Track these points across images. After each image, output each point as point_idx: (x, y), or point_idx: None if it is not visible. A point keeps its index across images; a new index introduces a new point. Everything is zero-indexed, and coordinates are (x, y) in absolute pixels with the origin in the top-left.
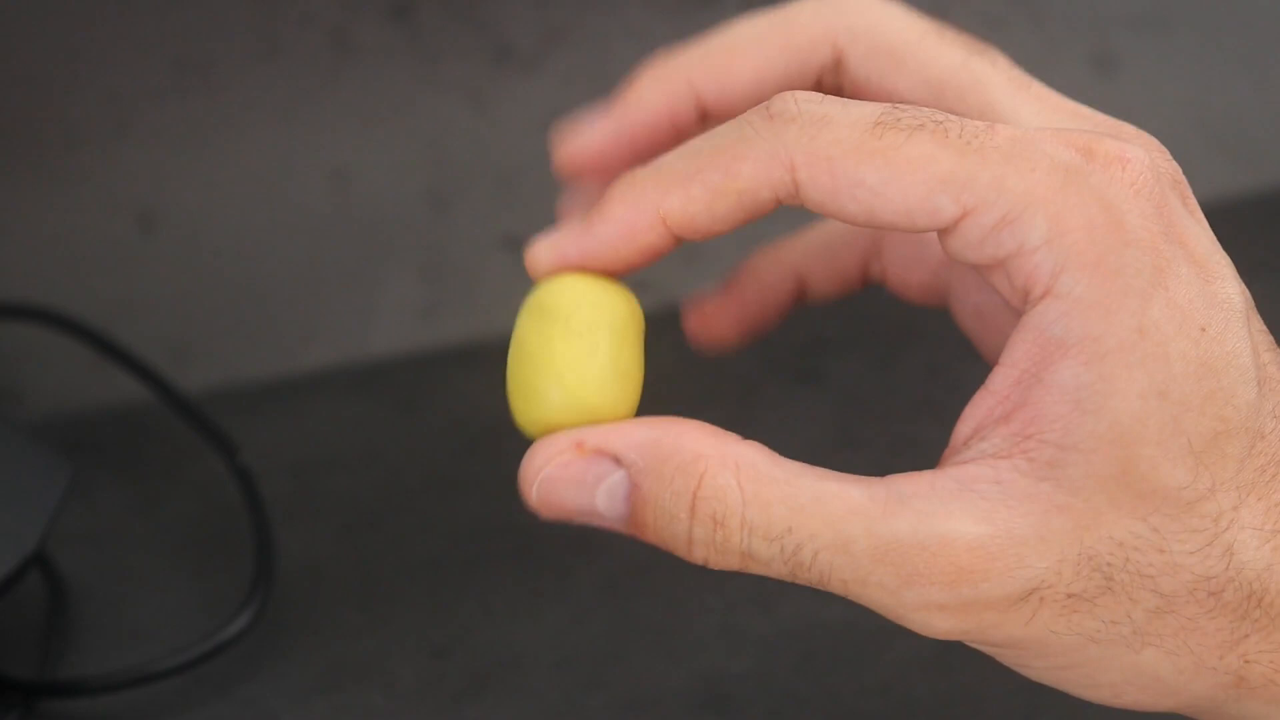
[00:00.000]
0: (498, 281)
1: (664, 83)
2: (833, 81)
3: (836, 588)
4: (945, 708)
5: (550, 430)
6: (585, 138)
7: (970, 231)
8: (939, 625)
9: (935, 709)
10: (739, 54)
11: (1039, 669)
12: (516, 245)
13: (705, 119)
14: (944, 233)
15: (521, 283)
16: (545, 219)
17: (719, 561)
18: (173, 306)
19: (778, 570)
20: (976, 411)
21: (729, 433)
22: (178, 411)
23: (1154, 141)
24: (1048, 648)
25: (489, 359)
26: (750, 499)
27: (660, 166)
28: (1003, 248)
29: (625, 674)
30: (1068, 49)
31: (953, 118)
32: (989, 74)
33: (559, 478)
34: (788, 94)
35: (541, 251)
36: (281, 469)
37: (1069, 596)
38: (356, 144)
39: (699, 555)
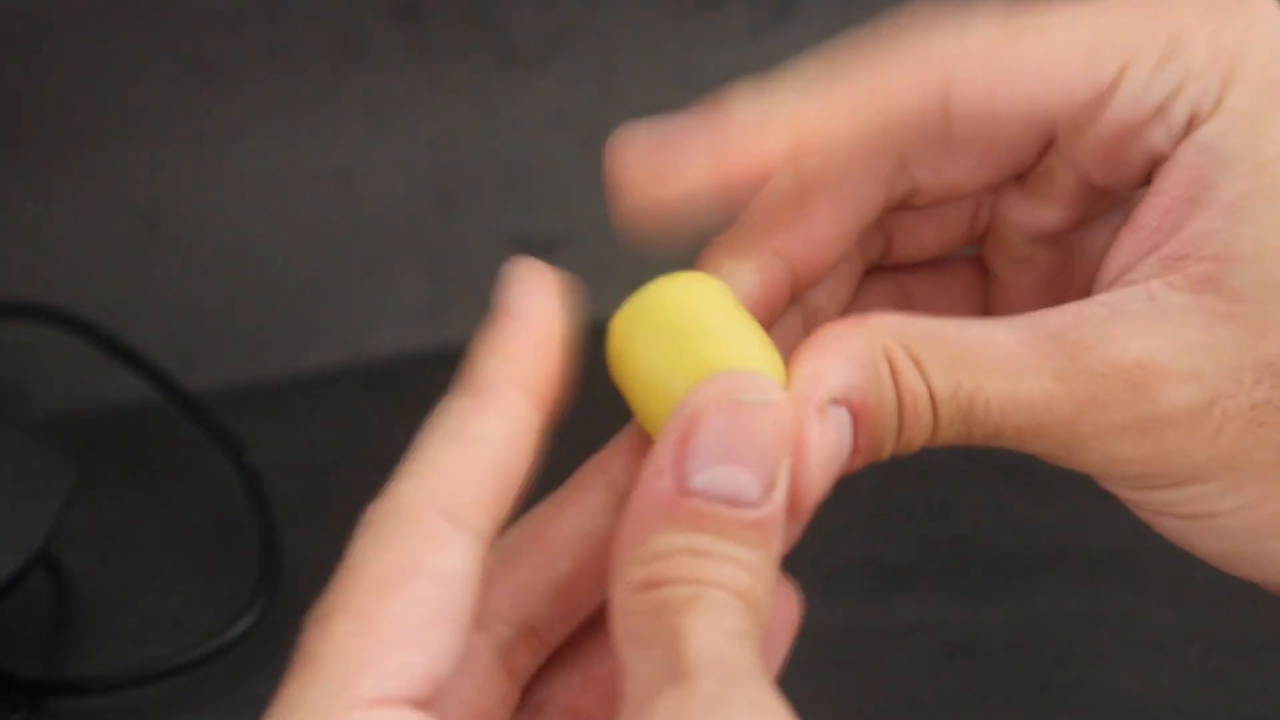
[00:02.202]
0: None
1: (768, 132)
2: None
3: (1011, 437)
4: (950, 710)
5: None
6: (666, 156)
7: (1133, 82)
8: (1122, 451)
9: (940, 711)
10: (841, 121)
11: (1234, 522)
12: (523, 245)
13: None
14: (1104, 95)
15: None
16: (550, 219)
17: (915, 443)
18: (179, 306)
19: (956, 429)
20: (1122, 248)
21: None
22: (184, 411)
23: None
24: (1239, 475)
25: None
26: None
27: (795, 72)
28: (1166, 85)
29: None
30: None
31: None
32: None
33: (821, 450)
34: (910, 19)
35: (635, 157)
36: (288, 468)
37: (1253, 407)
38: (362, 144)
39: (904, 441)
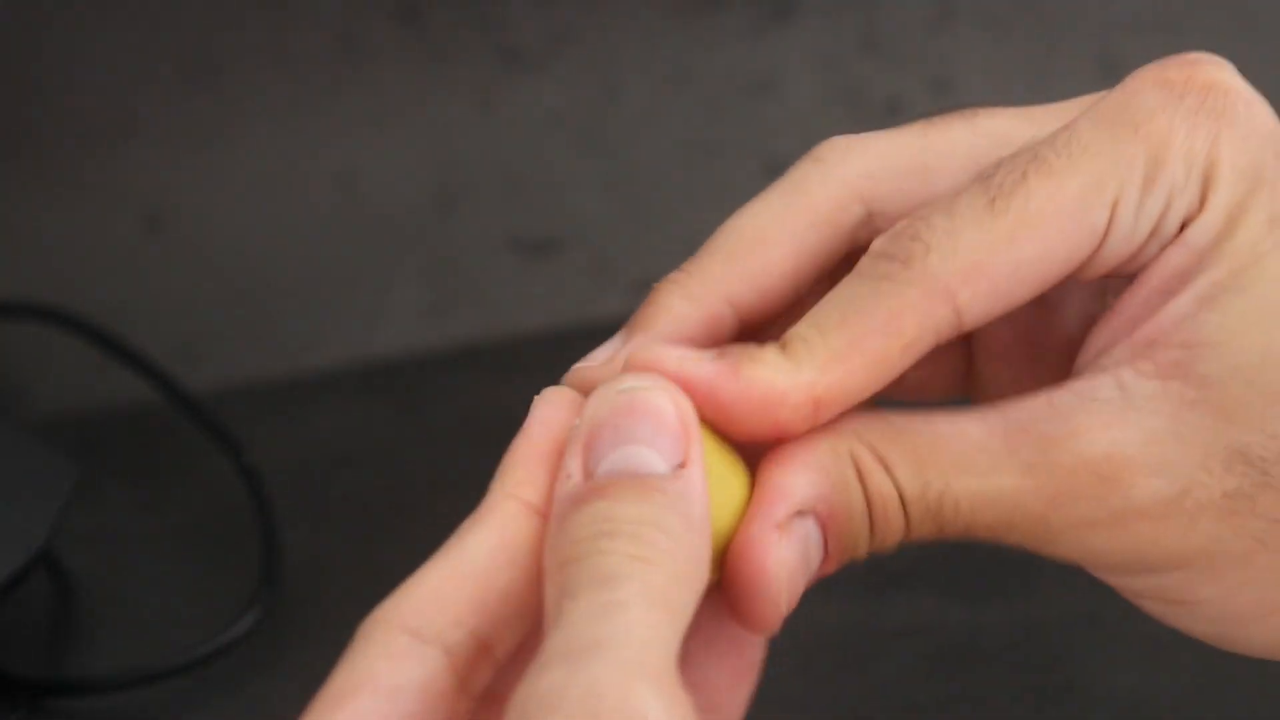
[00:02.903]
0: (504, 282)
1: (695, 302)
2: (867, 234)
3: (983, 532)
4: (949, 711)
5: None
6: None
7: (1124, 221)
8: (1095, 544)
9: (938, 712)
10: (767, 250)
11: (1214, 608)
12: (523, 246)
13: (742, 326)
14: (1100, 242)
15: (526, 284)
16: (551, 219)
17: (888, 544)
18: (180, 306)
19: (927, 528)
20: (1099, 335)
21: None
22: (184, 411)
23: (1205, 54)
24: (1216, 564)
25: (495, 359)
26: (890, 466)
27: (804, 341)
28: (1154, 210)
29: None
30: (1073, 52)
31: (1038, 144)
32: (1003, 120)
33: (784, 566)
34: (897, 232)
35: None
36: (288, 469)
37: (1225, 496)
38: (364, 145)
39: (880, 536)
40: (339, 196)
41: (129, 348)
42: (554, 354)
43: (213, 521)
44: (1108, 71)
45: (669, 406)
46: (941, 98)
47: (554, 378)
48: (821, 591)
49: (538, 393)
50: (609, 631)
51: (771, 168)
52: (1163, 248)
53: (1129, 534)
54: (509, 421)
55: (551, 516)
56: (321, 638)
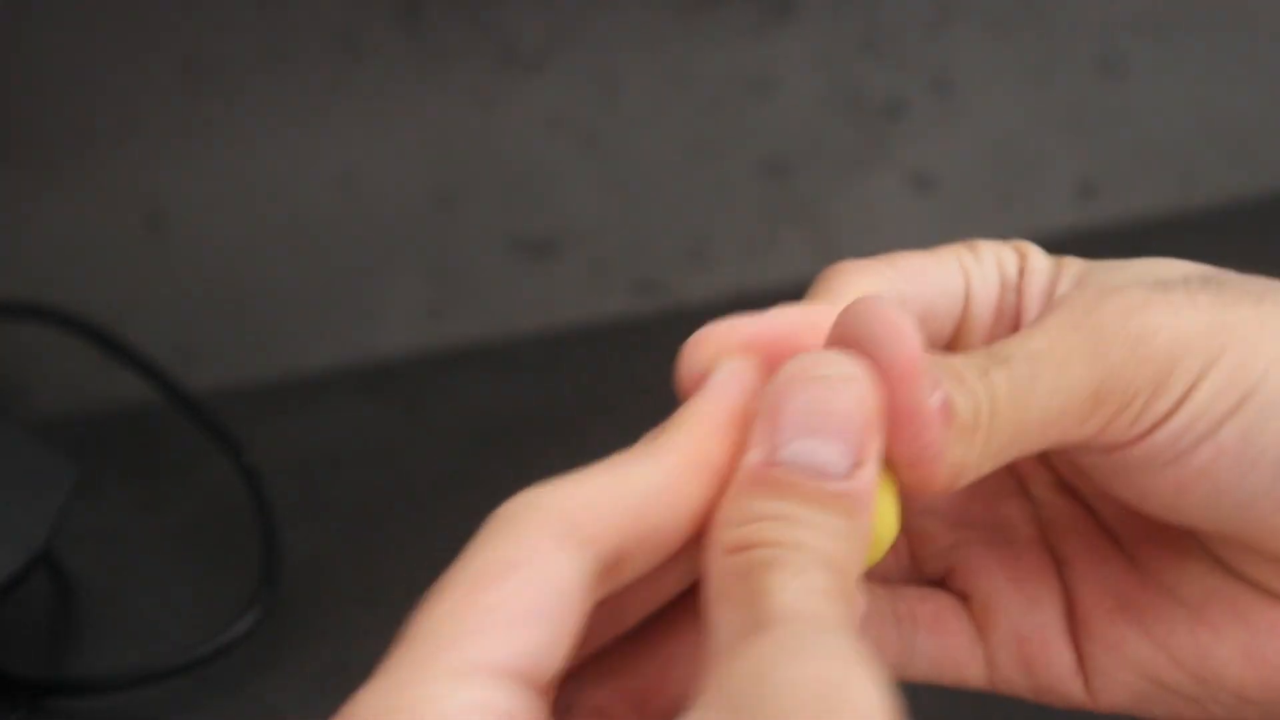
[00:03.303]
0: (504, 282)
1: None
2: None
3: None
4: (949, 711)
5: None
6: (729, 330)
7: (975, 272)
8: (1135, 325)
9: (939, 713)
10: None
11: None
12: (523, 246)
13: None
14: (969, 285)
15: (526, 284)
16: (551, 219)
17: (969, 399)
18: (179, 306)
19: (1006, 383)
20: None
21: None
22: (184, 411)
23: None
24: (1232, 325)
25: (495, 359)
26: None
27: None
28: (990, 261)
29: None
30: (1074, 53)
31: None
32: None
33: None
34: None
35: (707, 337)
36: (288, 469)
37: (1203, 287)
38: (364, 145)
39: (963, 402)
40: (339, 196)
41: (129, 348)
42: (554, 354)
43: (213, 521)
44: (1108, 72)
45: (855, 405)
46: (941, 98)
47: (554, 378)
48: None
49: (537, 393)
50: (814, 610)
51: (772, 168)
52: (1017, 289)
53: (1152, 316)
54: (509, 421)
55: (733, 483)
56: (321, 638)
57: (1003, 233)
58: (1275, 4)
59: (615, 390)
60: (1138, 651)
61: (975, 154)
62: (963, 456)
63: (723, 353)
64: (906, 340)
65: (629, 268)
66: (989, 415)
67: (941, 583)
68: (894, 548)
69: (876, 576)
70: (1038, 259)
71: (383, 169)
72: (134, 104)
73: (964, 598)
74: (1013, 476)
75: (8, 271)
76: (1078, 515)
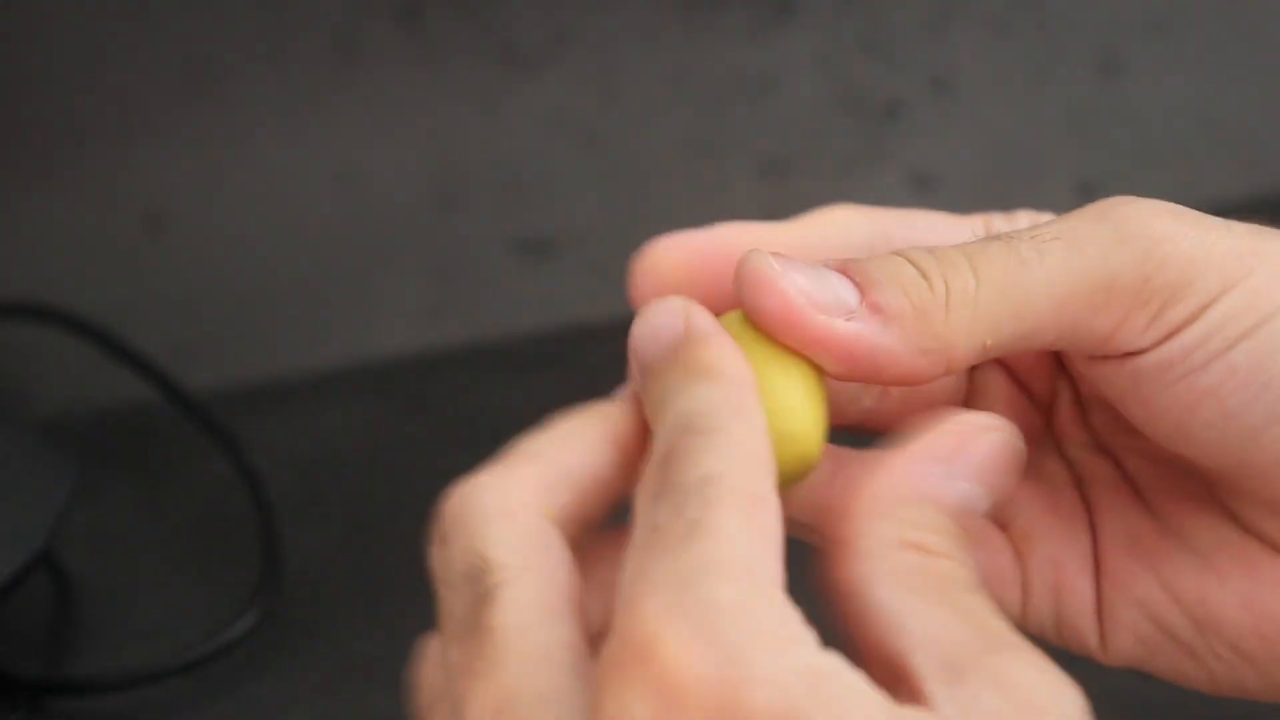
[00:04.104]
0: (504, 282)
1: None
2: None
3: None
4: None
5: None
6: (676, 248)
7: (999, 224)
8: (1162, 225)
9: None
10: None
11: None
12: (523, 246)
13: None
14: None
15: (526, 284)
16: (551, 219)
17: (955, 278)
18: (179, 306)
19: (1004, 260)
20: None
21: None
22: (184, 411)
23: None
24: (1264, 252)
25: (495, 359)
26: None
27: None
28: (1022, 218)
29: None
30: (1073, 53)
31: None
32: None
33: (788, 268)
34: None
35: (658, 252)
36: (288, 469)
37: (1243, 223)
38: (363, 145)
39: (936, 278)
40: (339, 196)
41: (129, 348)
42: (554, 354)
43: (213, 521)
44: (1107, 72)
45: (1006, 460)
46: (941, 98)
47: (554, 378)
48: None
49: (538, 393)
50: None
51: (771, 168)
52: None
53: (1183, 225)
54: (509, 421)
55: (904, 475)
56: (321, 638)
57: None
58: (1275, 4)
59: (615, 390)
60: (1144, 590)
61: (975, 154)
62: (941, 336)
63: (669, 275)
64: (773, 295)
65: (629, 268)
66: (972, 290)
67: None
68: None
69: None
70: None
71: (383, 169)
72: (134, 104)
73: (1004, 527)
74: (1051, 438)
75: (8, 271)
76: (1108, 470)
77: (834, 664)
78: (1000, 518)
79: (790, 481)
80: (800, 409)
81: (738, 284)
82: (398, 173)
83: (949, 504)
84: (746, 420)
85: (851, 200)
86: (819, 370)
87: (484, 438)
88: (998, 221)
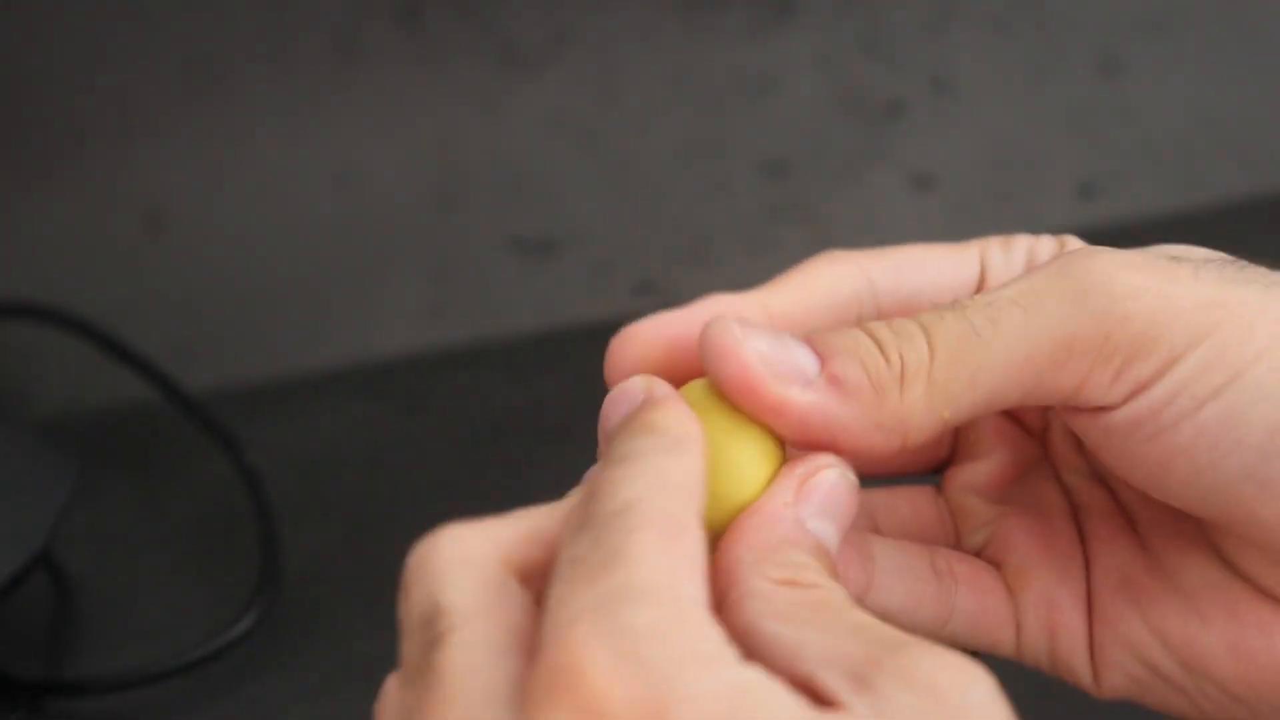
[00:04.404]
0: (504, 282)
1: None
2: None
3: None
4: None
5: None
6: (655, 333)
7: (995, 256)
8: (1124, 279)
9: None
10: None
11: (1246, 390)
12: (523, 246)
13: None
14: (984, 273)
15: (526, 284)
16: (551, 219)
17: (910, 350)
18: (179, 307)
19: (958, 329)
20: None
21: None
22: (184, 412)
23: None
24: (1231, 315)
25: (495, 360)
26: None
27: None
28: (1020, 248)
29: None
30: (1073, 53)
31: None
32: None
33: (750, 336)
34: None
35: (634, 336)
36: (288, 469)
37: (1214, 266)
38: (363, 145)
39: (892, 351)
40: (339, 196)
41: (129, 348)
42: (554, 354)
43: (213, 521)
44: (1107, 72)
45: (852, 502)
46: (941, 98)
47: (554, 378)
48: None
49: (538, 393)
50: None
51: (772, 168)
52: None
53: (1146, 278)
54: (509, 421)
55: (765, 523)
56: (321, 638)
57: (1002, 233)
58: (1275, 4)
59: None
60: (1133, 631)
61: (975, 154)
62: (896, 413)
63: (646, 353)
64: (731, 362)
65: (629, 268)
66: (925, 364)
67: (978, 554)
68: (939, 522)
69: (918, 539)
70: (1075, 244)
71: (383, 169)
72: (134, 104)
73: (998, 565)
74: (1049, 464)
75: (8, 271)
76: (1104, 499)
77: (756, 677)
78: (994, 556)
79: None
80: (748, 473)
81: (701, 351)
82: (398, 173)
83: (807, 542)
84: (676, 459)
85: (851, 200)
86: (778, 440)
87: (484, 438)
88: (995, 251)
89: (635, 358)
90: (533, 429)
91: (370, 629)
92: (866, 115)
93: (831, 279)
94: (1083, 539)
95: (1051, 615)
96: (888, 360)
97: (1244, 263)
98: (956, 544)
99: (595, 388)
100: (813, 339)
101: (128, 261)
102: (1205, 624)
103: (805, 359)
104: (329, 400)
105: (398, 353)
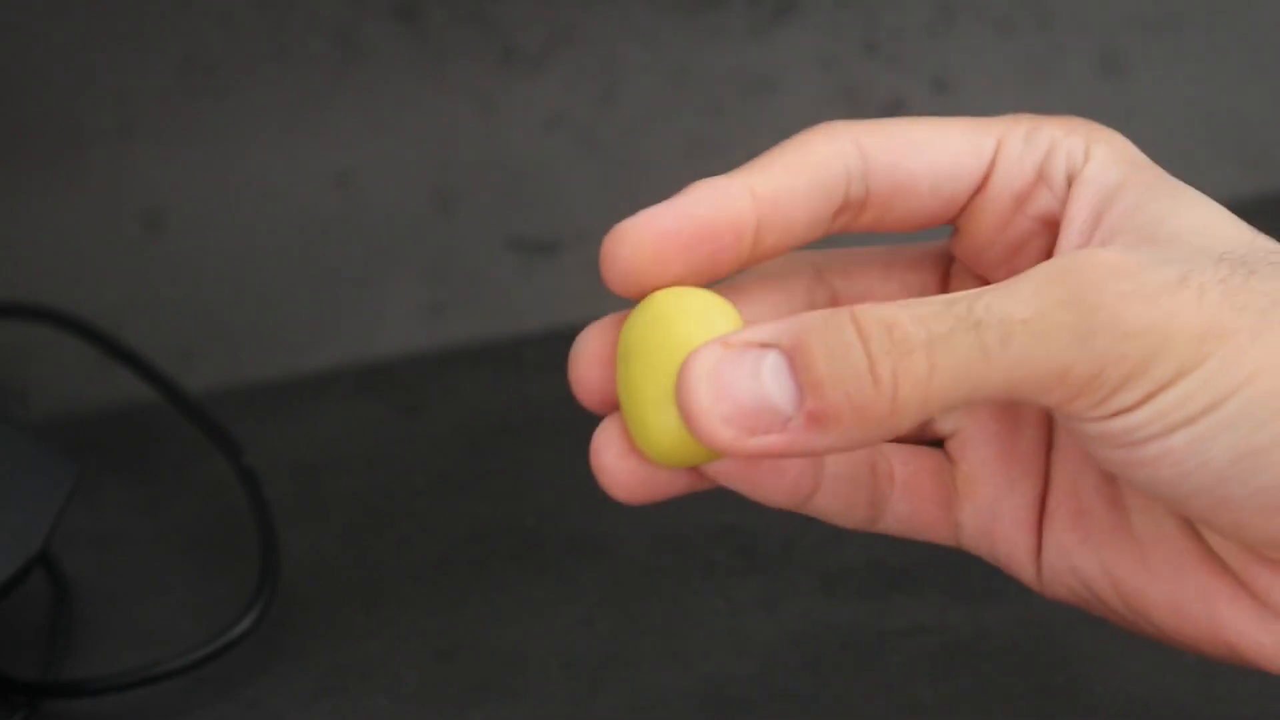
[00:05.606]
0: (504, 282)
1: (732, 196)
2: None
3: (1019, 346)
4: (951, 711)
5: (668, 458)
6: (645, 228)
7: (1010, 150)
8: (1131, 315)
9: (941, 713)
10: (797, 192)
11: (1235, 411)
12: (522, 246)
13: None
14: (989, 169)
15: (526, 284)
16: (551, 219)
17: (908, 369)
18: (178, 307)
19: (966, 349)
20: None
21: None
22: (183, 412)
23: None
24: (1230, 340)
25: (495, 360)
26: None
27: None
28: (1039, 149)
29: (630, 677)
30: (1075, 51)
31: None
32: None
33: (723, 376)
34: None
35: (625, 234)
36: (287, 470)
37: (1221, 281)
38: (362, 145)
39: (885, 371)
40: (338, 196)
41: (128, 348)
42: (554, 354)
43: (212, 522)
44: (1109, 71)
45: None
46: (941, 98)
47: (554, 378)
48: (823, 592)
49: (537, 393)
50: None
51: None
52: (1064, 192)
53: (1151, 304)
54: (509, 421)
55: None
56: (321, 638)
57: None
58: (1275, 4)
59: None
60: (1083, 564)
61: None
62: (885, 423)
63: (636, 251)
64: (701, 427)
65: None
66: (923, 382)
67: (941, 442)
68: None
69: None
70: (1099, 168)
71: (382, 169)
72: (133, 104)
73: (953, 461)
74: None
75: (8, 271)
76: None
77: None
78: (953, 453)
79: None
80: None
81: (677, 392)
82: (397, 172)
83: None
84: None
85: None
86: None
87: (484, 438)
88: (1014, 141)
89: (627, 257)
90: (533, 429)
91: (370, 629)
92: (867, 115)
93: (823, 156)
94: (1050, 450)
95: (993, 527)
96: (877, 381)
97: (1270, 254)
98: (923, 430)
99: None
100: (796, 349)
101: (127, 261)
102: (1153, 579)
103: (783, 393)
104: (329, 401)
105: (398, 353)
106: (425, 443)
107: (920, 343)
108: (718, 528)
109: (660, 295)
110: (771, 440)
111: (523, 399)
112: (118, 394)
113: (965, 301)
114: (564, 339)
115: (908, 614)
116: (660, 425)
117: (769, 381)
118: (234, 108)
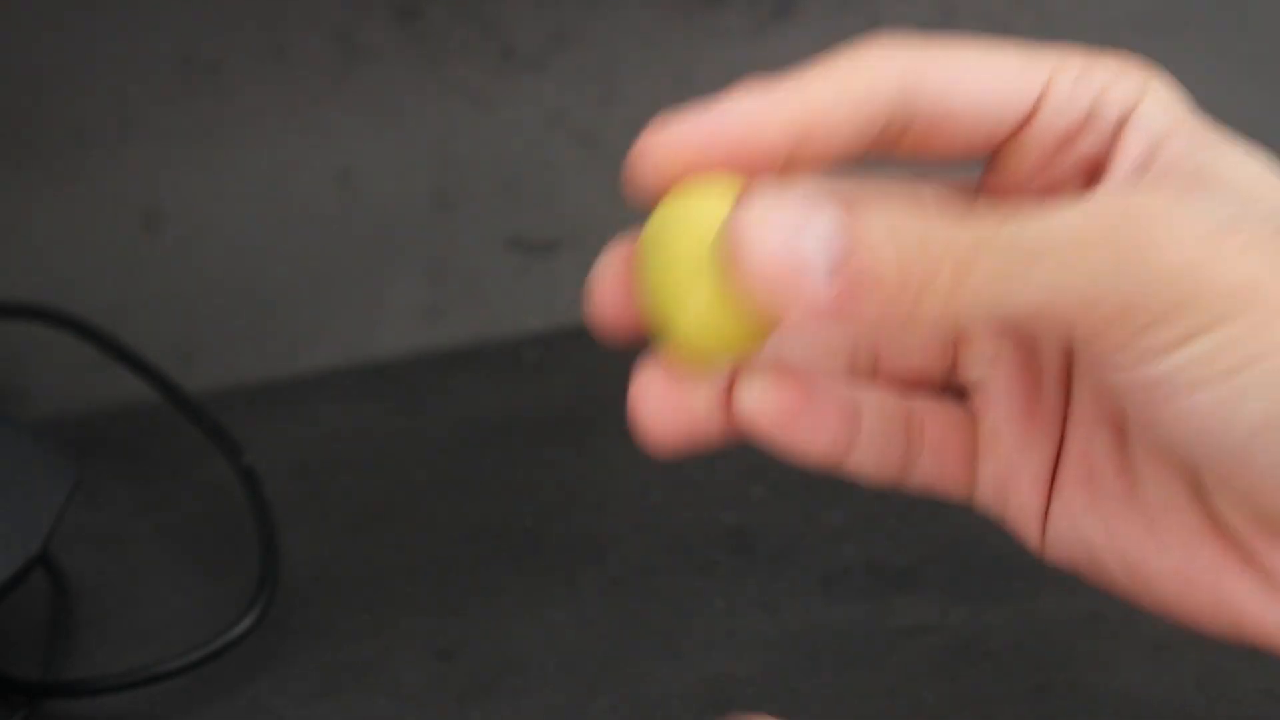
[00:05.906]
0: (503, 282)
1: (772, 107)
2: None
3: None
4: (952, 711)
5: (700, 340)
6: (678, 139)
7: (1060, 89)
8: (1170, 256)
9: (941, 712)
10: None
11: (1267, 372)
12: (522, 246)
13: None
14: (1037, 104)
15: (526, 284)
16: (551, 219)
17: (959, 244)
18: (178, 307)
19: (1004, 261)
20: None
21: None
22: (183, 412)
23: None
24: (1266, 293)
25: (494, 359)
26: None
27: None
28: (1090, 90)
29: (630, 677)
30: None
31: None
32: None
33: (773, 222)
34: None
35: (654, 146)
36: (287, 470)
37: (1267, 237)
38: (362, 145)
39: (935, 249)
40: (338, 196)
41: (127, 348)
42: (554, 354)
43: (212, 522)
44: None
45: None
46: None
47: (554, 378)
48: (823, 592)
49: (538, 393)
50: None
51: None
52: (1107, 144)
53: (1200, 246)
54: (509, 421)
55: None
56: (321, 638)
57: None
58: (1276, 3)
59: (615, 390)
60: (1090, 531)
61: None
62: (915, 314)
63: (675, 165)
64: (744, 256)
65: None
66: (945, 290)
67: (963, 394)
68: (942, 345)
69: (910, 372)
70: (1152, 112)
71: (382, 169)
72: (132, 104)
73: (977, 418)
74: None
75: (8, 271)
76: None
77: None
78: (976, 409)
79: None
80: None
81: (725, 239)
82: (397, 172)
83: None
84: None
85: None
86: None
87: (484, 438)
88: (1066, 79)
89: (653, 170)
90: (533, 429)
91: (369, 630)
92: None
93: (874, 78)
94: (1066, 409)
95: (1008, 485)
96: (925, 258)
97: None
98: (952, 371)
99: (595, 387)
100: (851, 216)
101: (127, 261)
102: (1160, 548)
103: (825, 244)
104: (328, 400)
105: (397, 352)
106: (425, 442)
107: (948, 252)
108: (718, 528)
109: (683, 185)
110: (806, 288)
111: (523, 399)
112: (118, 394)
113: (1001, 220)
114: (564, 339)
115: (908, 614)
116: (694, 304)
117: (818, 227)
118: (234, 108)
